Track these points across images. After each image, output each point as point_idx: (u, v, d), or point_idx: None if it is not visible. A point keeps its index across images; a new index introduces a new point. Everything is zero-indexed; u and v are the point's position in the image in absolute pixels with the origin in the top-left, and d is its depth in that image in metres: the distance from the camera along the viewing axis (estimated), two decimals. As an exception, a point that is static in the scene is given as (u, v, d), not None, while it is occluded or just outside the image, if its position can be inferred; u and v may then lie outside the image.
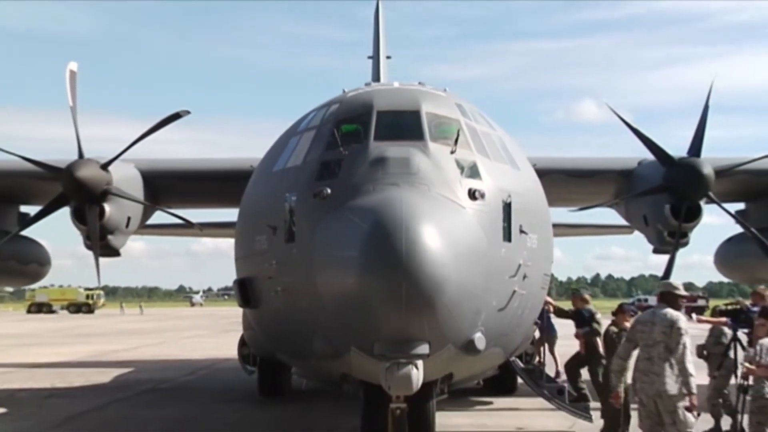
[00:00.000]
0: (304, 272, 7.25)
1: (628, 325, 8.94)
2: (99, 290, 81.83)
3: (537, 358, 12.79)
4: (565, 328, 13.34)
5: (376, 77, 19.68)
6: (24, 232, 14.67)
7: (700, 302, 54.99)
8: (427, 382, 6.99)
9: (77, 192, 12.34)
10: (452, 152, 7.81)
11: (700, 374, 7.49)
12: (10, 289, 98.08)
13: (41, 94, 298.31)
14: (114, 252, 13.60)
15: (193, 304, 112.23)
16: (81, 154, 12.64)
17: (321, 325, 7.22)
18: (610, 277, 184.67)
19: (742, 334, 9.58)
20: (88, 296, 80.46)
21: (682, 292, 7.48)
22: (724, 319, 10.01)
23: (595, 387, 11.23)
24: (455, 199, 7.28)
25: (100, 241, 12.79)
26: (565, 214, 23.21)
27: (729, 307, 10.14)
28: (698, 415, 8.14)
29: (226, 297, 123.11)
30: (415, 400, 7.06)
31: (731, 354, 9.55)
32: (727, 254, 15.80)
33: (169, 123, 12.21)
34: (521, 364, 11.30)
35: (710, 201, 12.82)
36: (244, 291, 8.86)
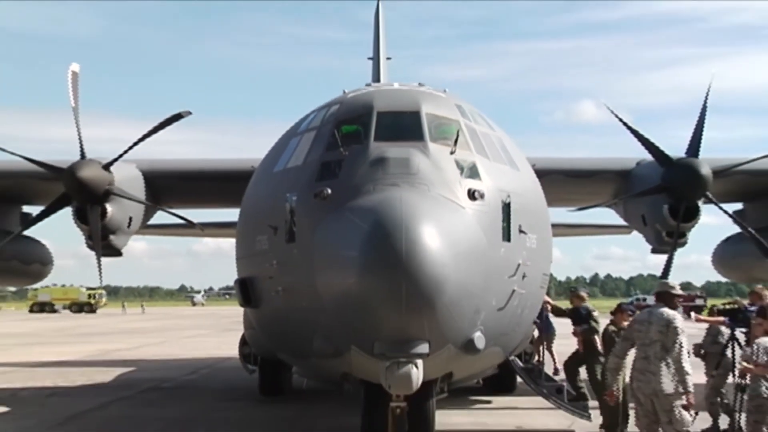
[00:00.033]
0: (304, 272, 7.30)
1: (626, 324, 8.99)
2: (101, 290, 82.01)
3: (536, 358, 12.86)
4: (563, 327, 13.37)
5: (377, 78, 19.66)
6: (26, 232, 14.67)
7: (698, 302, 55.02)
8: (427, 381, 7.03)
9: (79, 192, 12.37)
10: (452, 153, 7.85)
11: (696, 373, 7.55)
12: (12, 288, 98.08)
13: (43, 95, 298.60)
14: (116, 252, 13.63)
15: (194, 304, 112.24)
16: (83, 155, 12.68)
17: (321, 325, 7.26)
18: (608, 276, 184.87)
19: (739, 334, 9.62)
20: (90, 296, 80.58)
21: (679, 291, 7.54)
22: (722, 318, 10.06)
23: (592, 385, 11.28)
24: (455, 199, 7.32)
25: (102, 241, 12.81)
26: (564, 214, 23.19)
27: (727, 307, 10.18)
28: (696, 413, 8.21)
29: (227, 296, 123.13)
30: (415, 399, 7.10)
31: (729, 353, 9.60)
32: (724, 254, 15.84)
33: (171, 123, 12.23)
34: (520, 364, 11.38)
35: (708, 201, 12.84)
36: (245, 291, 8.91)
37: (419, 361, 6.58)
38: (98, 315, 71.27)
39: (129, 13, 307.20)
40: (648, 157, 13.07)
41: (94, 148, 12.86)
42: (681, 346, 7.12)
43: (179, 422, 11.19)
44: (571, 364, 11.89)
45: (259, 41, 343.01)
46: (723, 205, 13.24)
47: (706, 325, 10.78)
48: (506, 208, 7.83)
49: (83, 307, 78.48)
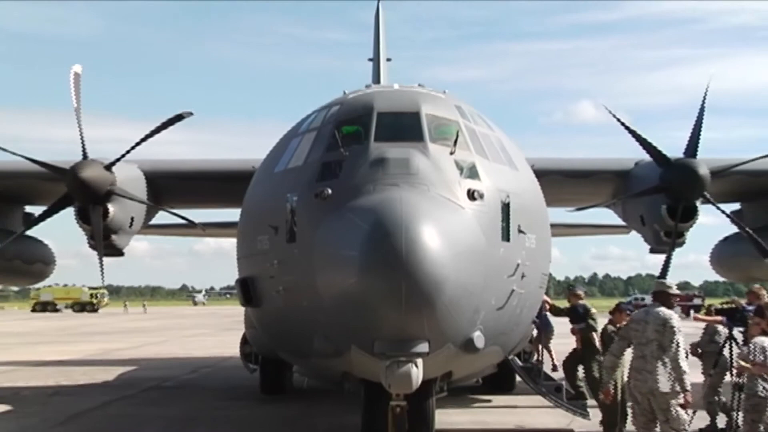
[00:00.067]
0: (305, 272, 7.33)
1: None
2: (103, 289, 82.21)
3: (535, 357, 12.88)
4: (561, 327, 13.41)
5: (377, 79, 19.69)
6: (29, 232, 14.68)
7: (696, 301, 55.18)
8: (427, 380, 7.05)
9: (81, 192, 12.41)
10: (451, 153, 7.88)
11: (693, 372, 7.57)
12: (15, 288, 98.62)
13: (44, 96, 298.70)
14: (118, 252, 13.70)
15: (195, 303, 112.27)
16: (85, 155, 12.73)
17: (322, 324, 7.29)
18: (607, 276, 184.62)
19: (737, 333, 9.66)
20: (92, 295, 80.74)
21: (675, 291, 7.57)
22: (719, 317, 10.11)
23: (588, 382, 11.34)
24: (454, 199, 7.35)
25: (104, 241, 12.87)
26: (563, 214, 23.15)
27: (725, 306, 10.23)
28: (694, 412, 8.27)
29: (228, 296, 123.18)
30: (415, 397, 7.13)
31: (726, 352, 9.65)
32: (722, 254, 15.88)
33: (173, 124, 12.26)
34: (520, 363, 11.43)
35: (706, 201, 12.88)
36: (246, 290, 8.94)
37: (419, 360, 6.60)
38: (100, 314, 71.31)
39: (130, 14, 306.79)
40: (646, 157, 13.09)
41: (96, 149, 12.95)
42: (678, 345, 7.15)
43: (180, 421, 11.23)
44: (570, 363, 11.93)
45: (260, 42, 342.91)
46: (721, 206, 13.25)
47: (703, 325, 10.85)
48: (505, 208, 7.86)
49: (85, 306, 78.65)
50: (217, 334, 34.56)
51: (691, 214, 12.86)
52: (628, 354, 7.77)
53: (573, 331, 11.88)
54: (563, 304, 12.80)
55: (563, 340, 13.81)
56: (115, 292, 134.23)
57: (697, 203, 12.83)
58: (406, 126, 8.14)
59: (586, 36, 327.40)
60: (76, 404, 12.86)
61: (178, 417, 11.56)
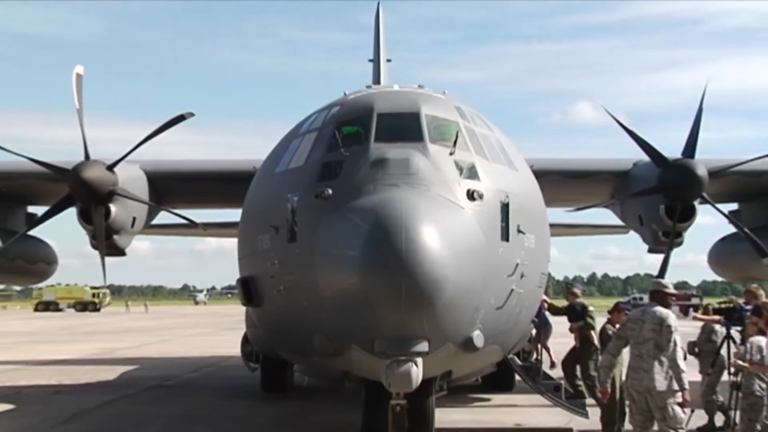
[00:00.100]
0: (305, 271, 7.37)
1: None
2: (105, 289, 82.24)
3: (534, 356, 12.95)
4: (559, 326, 13.46)
5: (377, 80, 19.73)
6: (31, 232, 14.79)
7: (694, 300, 55.35)
8: (427, 379, 7.08)
9: (84, 193, 12.46)
10: (451, 154, 7.92)
11: (690, 371, 7.61)
12: (17, 287, 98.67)
13: (46, 97, 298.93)
14: (119, 251, 13.76)
15: (197, 303, 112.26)
16: (87, 156, 12.77)
17: (322, 323, 7.31)
18: (606, 276, 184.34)
19: (735, 332, 9.73)
20: (94, 295, 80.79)
21: (672, 290, 7.60)
22: (717, 317, 10.17)
23: (583, 379, 11.40)
24: (454, 199, 7.38)
25: (106, 241, 12.91)
26: (561, 215, 23.16)
27: (723, 306, 10.29)
28: (692, 411, 8.32)
29: (229, 295, 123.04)
30: (415, 396, 7.15)
31: (724, 352, 9.71)
32: (720, 254, 15.93)
33: (174, 125, 12.29)
34: (519, 362, 11.49)
35: (704, 201, 12.91)
36: (247, 290, 8.98)
37: (419, 360, 6.62)
38: (102, 314, 71.33)
39: (130, 15, 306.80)
40: (645, 158, 13.12)
41: (97, 149, 12.99)
42: (676, 344, 7.18)
43: (182, 419, 11.27)
44: (569, 362, 11.99)
45: (260, 43, 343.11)
46: (718, 206, 13.28)
47: (701, 324, 10.91)
48: (505, 208, 7.89)
49: (87, 306, 78.69)
50: (218, 334, 34.62)
51: (689, 214, 12.91)
52: (627, 353, 7.82)
53: (571, 330, 11.95)
54: (562, 303, 12.87)
55: (562, 339, 13.87)
56: (117, 291, 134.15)
57: (695, 203, 12.88)
58: (406, 126, 8.17)
59: (585, 37, 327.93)
60: (77, 403, 12.91)
61: (179, 416, 11.60)
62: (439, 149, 7.94)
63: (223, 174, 14.22)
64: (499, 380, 13.09)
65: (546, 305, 12.12)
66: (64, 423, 11.09)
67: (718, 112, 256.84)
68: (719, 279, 22.04)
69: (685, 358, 7.47)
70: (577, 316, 11.81)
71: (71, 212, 13.11)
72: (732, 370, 8.99)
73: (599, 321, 11.38)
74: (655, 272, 14.21)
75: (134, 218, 13.52)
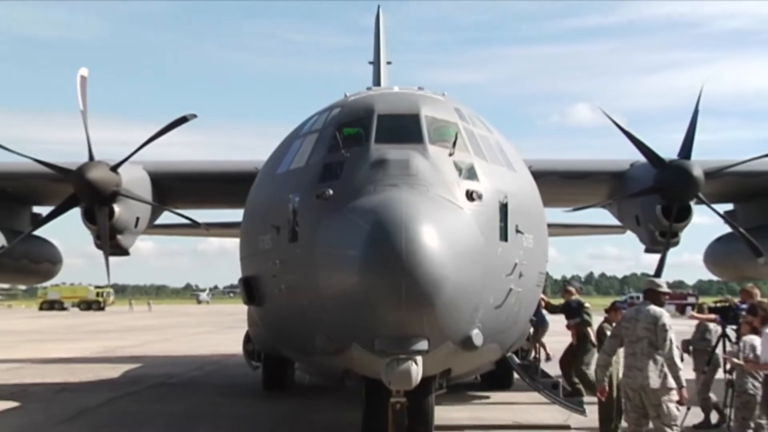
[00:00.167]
0: (306, 271, 7.43)
1: None
2: (109, 288, 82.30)
3: (533, 354, 13.03)
4: (557, 325, 13.53)
5: (377, 82, 19.80)
6: (36, 232, 14.91)
7: (691, 300, 55.50)
8: (426, 377, 7.14)
9: (88, 193, 12.55)
10: (450, 155, 7.99)
11: (685, 369, 7.66)
12: (22, 286, 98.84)
13: (49, 98, 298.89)
14: (123, 251, 13.86)
15: (199, 302, 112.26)
16: (91, 157, 12.86)
17: (323, 322, 7.37)
18: (603, 275, 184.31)
19: (730, 331, 9.81)
20: (98, 294, 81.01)
21: (665, 289, 7.65)
22: (713, 316, 10.27)
23: (578, 376, 11.50)
24: (453, 199, 7.44)
25: (110, 241, 13.02)
26: (559, 215, 23.23)
27: (718, 305, 10.38)
28: (688, 409, 8.40)
29: (231, 295, 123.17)
30: (415, 394, 7.22)
31: (719, 350, 9.80)
32: (716, 253, 15.99)
33: (177, 126, 12.37)
34: (517, 360, 11.57)
35: (700, 202, 12.98)
36: (249, 289, 9.05)
37: (419, 358, 6.68)
38: (106, 313, 71.47)
39: (132, 17, 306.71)
40: (641, 158, 13.20)
41: (99, 150, 13.06)
42: (671, 342, 7.23)
43: (184, 417, 11.34)
44: (567, 360, 12.09)
45: (261, 45, 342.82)
46: (714, 206, 13.39)
47: (695, 322, 11.01)
48: (503, 208, 7.95)
49: (91, 305, 78.87)
50: (220, 332, 34.67)
51: (685, 215, 12.98)
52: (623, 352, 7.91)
53: (568, 327, 12.04)
54: (559, 301, 12.96)
55: (559, 337, 13.94)
56: (121, 290, 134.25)
57: (691, 204, 12.94)
58: (406, 128, 8.24)
59: (583, 40, 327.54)
60: (82, 401, 12.99)
61: (182, 413, 11.67)
62: (438, 150, 8.00)
63: (225, 175, 14.28)
64: (497, 378, 13.14)
65: (543, 303, 12.23)
66: (69, 420, 11.17)
67: (716, 113, 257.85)
68: (715, 278, 22.10)
69: (682, 359, 7.52)
70: (574, 313, 11.91)
71: (75, 212, 13.22)
72: (727, 367, 9.08)
73: (597, 320, 11.46)
74: (651, 272, 14.30)
75: (137, 218, 13.60)
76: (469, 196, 7.62)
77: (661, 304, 7.53)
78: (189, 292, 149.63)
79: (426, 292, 6.45)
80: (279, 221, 8.15)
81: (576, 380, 11.80)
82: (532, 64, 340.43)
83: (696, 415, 9.97)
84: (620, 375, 8.28)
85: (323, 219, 7.38)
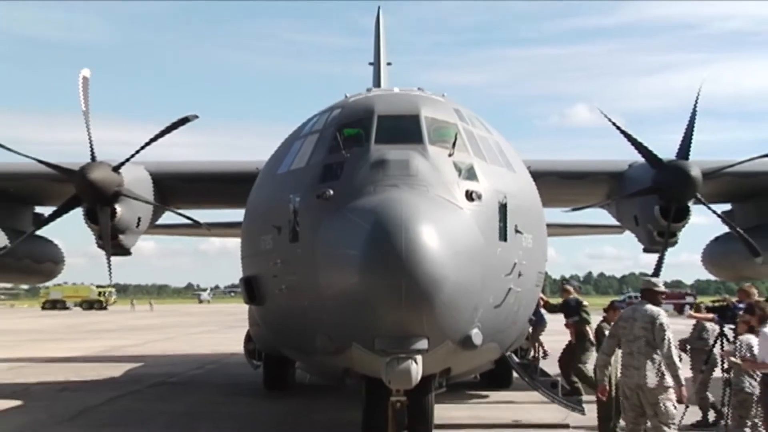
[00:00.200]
0: (307, 271, 7.48)
1: None
2: (111, 288, 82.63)
3: (532, 353, 13.08)
4: (556, 324, 13.58)
5: (377, 83, 19.80)
6: (39, 232, 14.90)
7: (688, 299, 55.63)
8: (426, 376, 7.19)
9: (90, 193, 12.58)
10: (450, 155, 8.04)
11: (683, 368, 7.75)
12: (25, 286, 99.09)
13: (50, 99, 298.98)
14: (125, 251, 13.86)
15: (201, 301, 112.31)
16: (93, 157, 12.88)
17: (324, 322, 7.41)
18: (601, 275, 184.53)
19: (728, 330, 9.86)
20: (100, 293, 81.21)
21: (662, 288, 7.67)
22: (711, 315, 10.33)
23: (575, 373, 11.55)
24: (453, 200, 7.49)
25: (112, 241, 13.03)
26: (558, 215, 23.23)
27: (716, 304, 10.44)
28: (686, 407, 8.45)
29: (232, 294, 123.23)
30: (415, 393, 7.28)
31: (717, 349, 9.85)
32: (714, 253, 16.00)
33: (178, 127, 12.40)
34: (516, 359, 11.61)
35: (698, 202, 13.00)
36: (250, 288, 9.09)
37: (418, 357, 6.72)
38: (108, 312, 71.54)
39: (133, 17, 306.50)
40: (640, 159, 13.22)
41: (100, 150, 13.09)
42: (670, 341, 7.25)
43: (186, 416, 11.38)
44: (566, 359, 12.14)
45: (262, 46, 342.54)
46: (712, 206, 13.39)
47: (692, 321, 11.06)
48: (503, 208, 8.00)
49: (93, 304, 79.08)
50: (221, 332, 34.71)
51: (683, 215, 12.99)
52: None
53: (567, 325, 12.09)
54: (558, 301, 13.01)
55: (557, 336, 13.97)
56: (123, 290, 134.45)
57: (690, 204, 12.96)
58: (405, 128, 8.28)
59: (582, 41, 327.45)
60: (84, 400, 13.05)
61: (183, 412, 11.72)
62: (438, 151, 8.05)
63: (227, 175, 14.31)
64: (497, 377, 13.21)
65: (542, 302, 12.28)
66: (71, 419, 11.23)
67: (715, 114, 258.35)
68: (713, 278, 22.10)
69: (680, 358, 7.55)
70: (573, 311, 11.96)
71: (78, 212, 13.25)
72: (725, 366, 9.13)
73: (595, 319, 11.51)
74: (650, 271, 14.36)
75: (139, 218, 13.63)
76: (469, 196, 7.66)
77: (658, 304, 7.55)
78: (190, 292, 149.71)
79: (426, 291, 6.48)
80: (280, 221, 8.19)
81: (575, 379, 11.85)
82: (531, 65, 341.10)
83: (694, 414, 10.02)
84: (618, 374, 8.32)
85: (324, 219, 7.42)
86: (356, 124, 8.56)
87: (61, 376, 16.73)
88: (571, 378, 11.89)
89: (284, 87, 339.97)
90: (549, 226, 10.39)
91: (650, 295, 7.59)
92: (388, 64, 21.73)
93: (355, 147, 8.16)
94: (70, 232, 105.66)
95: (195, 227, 16.74)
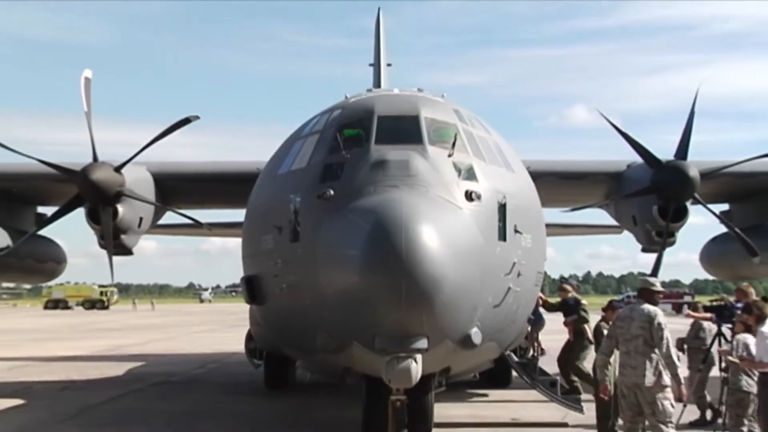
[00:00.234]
0: (308, 270, 7.52)
1: None
2: (112, 287, 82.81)
3: (531, 352, 13.13)
4: (555, 323, 13.62)
5: (377, 84, 19.89)
6: (41, 232, 15.00)
7: (687, 299, 55.71)
8: (426, 375, 7.23)
9: (92, 193, 12.63)
10: (450, 155, 8.08)
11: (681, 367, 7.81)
12: (27, 286, 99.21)
13: (50, 99, 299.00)
14: (127, 251, 13.93)
15: (202, 301, 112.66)
16: (95, 158, 12.95)
17: (324, 321, 7.45)
18: (600, 274, 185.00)
19: (726, 330, 9.91)
20: (102, 293, 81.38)
21: (659, 287, 7.69)
22: (709, 314, 10.38)
23: (574, 372, 11.59)
24: (452, 200, 7.53)
25: (114, 241, 13.09)
26: (557, 215, 23.31)
27: (714, 304, 10.49)
28: (684, 406, 8.50)
29: (233, 294, 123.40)
30: (415, 392, 7.33)
31: (714, 349, 9.91)
32: (712, 253, 16.06)
33: (180, 127, 12.45)
34: (516, 358, 11.64)
35: (696, 202, 13.04)
36: (251, 288, 9.15)
37: (418, 356, 6.75)
38: (110, 312, 71.66)
39: (134, 19, 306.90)
40: (638, 159, 13.23)
41: (102, 151, 13.14)
42: (668, 340, 7.28)
43: (187, 414, 11.42)
44: (565, 358, 12.19)
45: (263, 47, 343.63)
46: (710, 206, 13.41)
47: (690, 321, 11.12)
48: (502, 208, 8.05)
49: (95, 304, 79.27)
50: (222, 331, 34.77)
51: (681, 215, 13.04)
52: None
53: (566, 324, 12.14)
54: (557, 300, 13.06)
55: (556, 336, 14.02)
56: (125, 290, 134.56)
57: (688, 204, 13.00)
58: (405, 129, 8.33)
59: (581, 42, 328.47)
60: (85, 398, 13.09)
61: (184, 411, 11.76)
62: (438, 151, 8.09)
63: (228, 175, 14.37)
64: (496, 376, 13.24)
65: (541, 302, 12.33)
66: (72, 418, 11.27)
67: (713, 115, 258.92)
68: (711, 278, 22.08)
69: (678, 358, 7.62)
70: (571, 310, 12.01)
71: (80, 212, 13.28)
72: (723, 365, 9.17)
73: (594, 319, 11.56)
74: (648, 271, 14.39)
75: (141, 218, 13.68)
76: (468, 196, 7.71)
77: (655, 303, 7.57)
78: (192, 291, 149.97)
79: (425, 291, 6.52)
80: (280, 221, 8.24)
81: (574, 378, 11.90)
82: (530, 66, 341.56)
83: (692, 413, 10.07)
84: (617, 373, 8.36)
85: (324, 219, 7.46)
86: (356, 125, 8.60)
87: (63, 375, 16.77)
88: (570, 377, 11.94)
89: (285, 88, 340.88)
90: (548, 226, 10.42)
91: (647, 294, 7.62)
92: (388, 65, 21.80)
93: (356, 147, 8.21)
94: (72, 232, 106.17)
95: (196, 227, 16.75)
